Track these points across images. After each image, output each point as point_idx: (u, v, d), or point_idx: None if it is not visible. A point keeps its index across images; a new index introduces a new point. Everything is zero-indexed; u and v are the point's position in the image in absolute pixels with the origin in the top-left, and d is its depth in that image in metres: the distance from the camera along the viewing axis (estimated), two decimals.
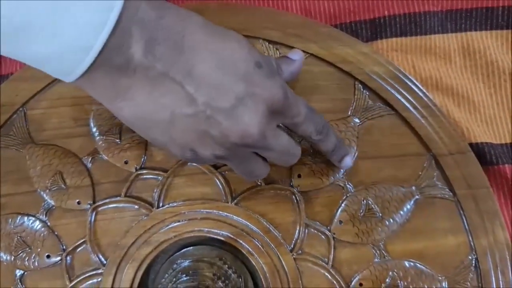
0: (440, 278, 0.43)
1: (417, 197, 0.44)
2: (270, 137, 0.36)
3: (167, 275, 0.43)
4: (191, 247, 0.45)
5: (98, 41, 0.31)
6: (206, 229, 0.43)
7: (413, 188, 0.44)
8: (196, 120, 0.34)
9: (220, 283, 0.41)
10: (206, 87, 0.33)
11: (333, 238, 0.43)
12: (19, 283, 0.44)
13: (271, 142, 0.36)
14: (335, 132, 0.42)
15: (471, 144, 0.45)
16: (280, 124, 0.38)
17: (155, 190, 0.44)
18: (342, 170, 0.44)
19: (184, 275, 0.41)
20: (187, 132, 0.34)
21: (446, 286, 0.42)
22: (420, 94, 0.45)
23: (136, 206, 0.44)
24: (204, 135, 0.34)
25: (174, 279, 0.42)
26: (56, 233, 0.44)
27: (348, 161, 0.43)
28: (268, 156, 0.38)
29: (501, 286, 0.42)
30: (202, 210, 0.44)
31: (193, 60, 0.33)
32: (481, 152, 0.46)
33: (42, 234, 0.44)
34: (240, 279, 0.43)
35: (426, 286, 0.42)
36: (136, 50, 0.32)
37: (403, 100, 0.44)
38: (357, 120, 0.45)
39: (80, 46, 0.31)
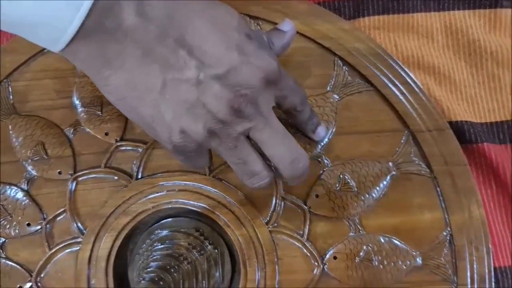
0: (414, 253, 0.43)
1: (393, 172, 0.44)
2: (262, 108, 0.35)
3: (144, 245, 0.44)
4: (170, 219, 0.46)
5: (86, 0, 0.30)
6: (184, 200, 0.44)
7: (390, 164, 0.44)
8: (188, 87, 0.33)
9: (195, 252, 0.42)
10: (199, 53, 0.32)
11: (309, 211, 0.43)
12: (0, 251, 0.45)
13: (263, 116, 0.35)
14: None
15: (451, 123, 0.46)
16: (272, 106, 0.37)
17: (134, 162, 0.45)
18: (319, 145, 0.44)
19: (160, 243, 0.42)
20: (177, 104, 0.33)
21: (420, 261, 0.43)
22: (400, 71, 0.45)
23: (116, 177, 0.45)
24: (195, 106, 0.33)
25: (150, 247, 0.42)
26: (37, 202, 0.45)
27: (322, 131, 0.43)
28: (260, 138, 0.36)
29: (474, 262, 0.42)
30: (180, 182, 0.44)
31: (185, 27, 0.33)
32: (460, 130, 0.46)
33: (23, 203, 0.45)
34: (216, 251, 0.44)
35: (400, 261, 0.43)
36: (128, 12, 0.31)
37: (382, 76, 0.45)
38: (335, 96, 0.45)
39: (68, 6, 0.30)
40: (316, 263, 0.43)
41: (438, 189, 0.43)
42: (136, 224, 0.44)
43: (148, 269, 0.37)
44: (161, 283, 0.35)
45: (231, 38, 0.33)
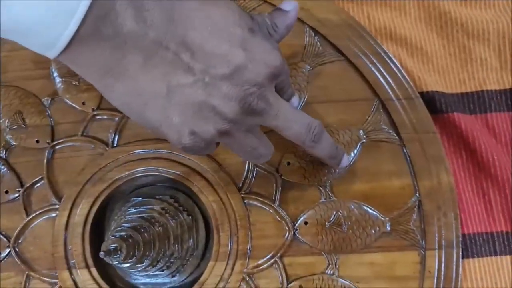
0: (383, 219, 0.44)
1: (363, 140, 0.45)
2: (271, 100, 0.34)
3: (119, 211, 0.45)
4: (145, 187, 0.47)
5: (80, 6, 0.28)
6: (158, 168, 0.45)
7: (360, 132, 0.45)
8: (194, 90, 0.32)
9: (167, 216, 0.43)
10: (202, 55, 0.31)
11: (281, 178, 0.44)
12: None
13: (275, 107, 0.34)
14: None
15: (422, 93, 0.46)
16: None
17: (110, 130, 0.46)
18: None
19: (134, 208, 0.43)
20: (184, 107, 0.32)
21: (389, 227, 0.44)
22: (371, 41, 0.46)
23: (92, 145, 0.46)
24: (203, 108, 0.32)
25: (124, 212, 0.43)
26: (15, 170, 0.46)
27: (295, 101, 0.43)
28: (274, 125, 0.36)
29: (442, 227, 0.43)
30: (155, 150, 0.45)
31: (185, 28, 0.31)
32: (431, 100, 0.47)
33: (1, 171, 0.46)
34: (190, 217, 0.45)
35: (369, 227, 0.44)
36: (126, 17, 0.30)
37: (353, 47, 0.46)
38: (307, 66, 0.46)
39: (62, 11, 0.29)
40: (287, 229, 0.44)
41: (407, 156, 0.44)
42: (113, 192, 0.45)
43: (119, 228, 0.38)
44: (129, 240, 0.36)
45: (234, 35, 0.32)
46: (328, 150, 0.40)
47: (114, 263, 0.35)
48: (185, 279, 0.45)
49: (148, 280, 0.45)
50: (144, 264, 0.39)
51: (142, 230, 0.39)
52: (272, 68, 0.33)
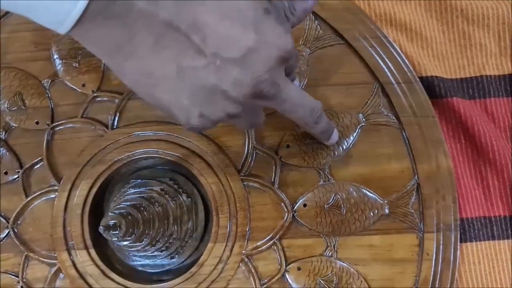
0: (382, 202, 0.44)
1: (363, 124, 0.45)
2: (280, 84, 0.34)
3: (119, 193, 0.45)
4: (145, 170, 0.47)
5: None
6: (158, 150, 0.45)
7: (360, 115, 0.45)
8: (205, 73, 0.31)
9: (167, 197, 0.43)
10: (213, 38, 0.31)
11: (280, 161, 0.45)
12: None
13: (282, 90, 0.34)
14: None
15: (421, 78, 0.47)
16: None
17: (110, 112, 0.46)
18: None
19: (133, 189, 0.43)
20: (195, 90, 0.32)
21: (388, 209, 0.44)
22: (371, 25, 0.46)
23: (92, 127, 0.46)
24: (214, 92, 0.32)
25: (124, 193, 0.43)
26: (14, 151, 0.46)
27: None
28: (281, 109, 0.36)
29: (441, 211, 0.43)
30: (155, 132, 0.45)
31: (197, 10, 0.31)
32: (430, 85, 0.47)
33: (0, 152, 0.46)
34: (190, 199, 0.45)
35: (368, 209, 0.44)
36: None
37: (353, 30, 0.46)
38: (307, 49, 0.46)
39: None
40: (286, 211, 0.44)
41: (406, 139, 0.44)
42: (112, 174, 0.45)
43: (119, 206, 0.38)
44: (129, 217, 0.36)
45: (247, 17, 0.31)
46: (323, 128, 0.40)
47: (113, 239, 0.35)
48: (184, 261, 0.45)
49: (147, 261, 0.45)
50: (143, 243, 0.39)
51: (142, 209, 0.39)
52: (283, 52, 0.32)
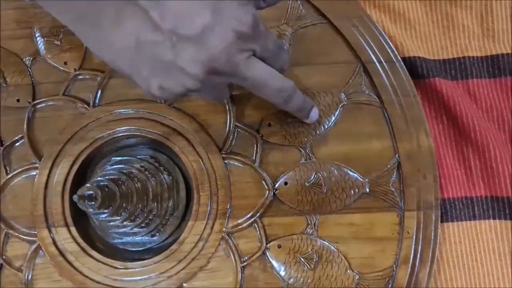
0: (363, 180, 0.44)
1: (344, 103, 0.45)
2: (242, 65, 0.34)
3: (100, 170, 0.45)
4: (126, 149, 0.46)
5: None
6: (139, 128, 0.45)
7: (342, 94, 0.45)
8: (162, 49, 0.32)
9: (147, 174, 0.43)
10: (171, 15, 0.31)
11: (262, 139, 0.44)
12: None
13: (243, 70, 0.34)
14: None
15: (404, 58, 0.47)
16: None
17: (92, 90, 0.46)
18: None
19: (113, 165, 0.43)
20: (153, 63, 0.33)
21: (369, 188, 0.44)
22: (353, 5, 0.46)
23: (74, 105, 0.46)
24: (171, 67, 0.33)
25: (104, 170, 0.43)
26: None
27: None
28: (244, 86, 0.36)
29: (422, 189, 0.43)
30: (136, 110, 0.45)
31: None
32: (413, 65, 0.47)
33: None
34: (171, 178, 0.45)
35: (349, 188, 0.44)
36: None
37: (335, 9, 0.46)
38: (290, 29, 0.46)
39: None
40: (267, 189, 0.44)
41: (387, 118, 0.45)
42: (94, 152, 0.45)
43: (96, 179, 0.37)
44: (106, 189, 0.36)
45: None
46: (297, 105, 0.40)
47: (89, 210, 0.34)
48: (165, 239, 0.45)
49: (127, 239, 0.45)
50: (121, 217, 0.39)
51: (120, 183, 0.38)
52: (239, 28, 0.32)
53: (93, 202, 0.34)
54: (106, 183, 0.37)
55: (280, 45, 0.37)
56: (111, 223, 0.40)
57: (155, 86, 0.34)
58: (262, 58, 0.36)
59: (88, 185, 0.35)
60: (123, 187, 0.38)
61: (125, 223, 0.40)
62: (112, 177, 0.39)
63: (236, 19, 0.33)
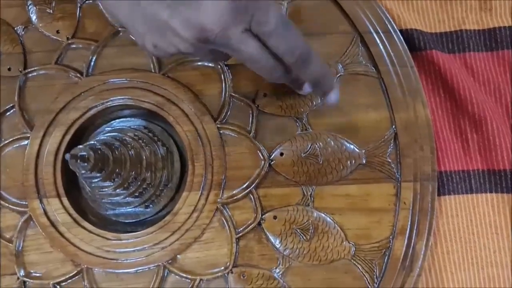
0: (359, 151, 0.43)
1: (341, 73, 0.44)
2: (235, 39, 0.33)
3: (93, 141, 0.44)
4: (120, 119, 0.46)
5: None
6: (133, 97, 0.44)
7: (338, 65, 0.45)
8: (157, 7, 0.31)
9: (141, 143, 0.42)
10: None
11: (257, 109, 0.44)
12: None
13: (235, 44, 0.33)
14: (318, 62, 0.37)
15: (401, 30, 0.46)
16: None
17: (85, 59, 0.45)
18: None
19: (107, 134, 0.42)
20: (148, 20, 0.32)
21: (365, 159, 0.43)
22: None
23: (66, 74, 0.45)
24: (165, 27, 0.32)
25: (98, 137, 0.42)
26: None
27: (333, 97, 0.40)
28: (238, 59, 0.35)
29: (418, 160, 0.43)
30: (130, 79, 0.44)
31: None
32: (410, 37, 0.46)
33: None
34: (165, 148, 0.44)
35: (345, 158, 0.43)
36: None
37: None
38: (286, 0, 0.46)
39: None
40: (262, 160, 0.43)
41: (384, 89, 0.44)
42: (87, 123, 0.44)
43: (90, 143, 0.37)
44: (99, 152, 0.35)
45: None
46: (290, 81, 0.38)
47: (81, 172, 0.34)
48: (159, 211, 0.45)
49: (121, 210, 0.44)
50: (115, 183, 0.38)
51: (114, 148, 0.38)
52: (234, 4, 0.31)
53: (85, 164, 0.33)
54: (99, 146, 0.36)
55: (285, 23, 0.35)
56: (104, 191, 0.39)
57: (150, 43, 0.34)
58: (259, 33, 0.34)
59: (81, 146, 0.34)
60: (117, 152, 0.38)
61: (118, 190, 0.39)
62: (106, 141, 0.38)
63: None
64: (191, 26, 0.32)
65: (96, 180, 0.36)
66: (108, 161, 0.36)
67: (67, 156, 0.32)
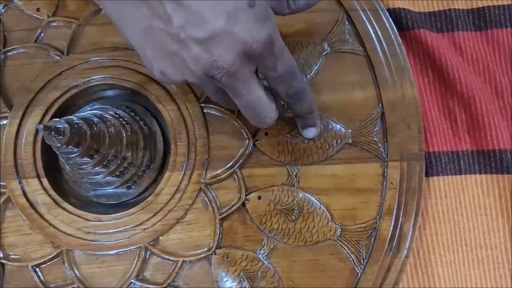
0: (345, 130, 0.43)
1: (327, 51, 0.44)
2: (241, 79, 0.33)
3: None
4: (102, 99, 0.45)
5: None
6: (115, 76, 0.43)
7: (324, 43, 0.44)
8: (169, 39, 0.32)
9: (122, 121, 0.41)
10: (185, 11, 0.31)
11: None
12: None
13: (239, 85, 0.34)
14: (310, 99, 0.39)
15: (389, 9, 0.45)
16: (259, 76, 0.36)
17: (66, 38, 0.44)
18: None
19: (87, 112, 0.41)
20: (159, 47, 0.32)
21: (351, 138, 0.42)
22: None
23: (47, 53, 0.44)
24: (175, 57, 0.32)
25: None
26: None
27: (311, 132, 0.42)
28: (236, 101, 0.36)
29: (406, 139, 0.42)
30: (111, 57, 0.44)
31: None
32: (398, 17, 0.46)
33: None
34: (147, 128, 0.43)
35: (331, 138, 0.42)
36: None
37: None
38: None
39: None
40: (247, 138, 0.42)
41: (371, 67, 0.43)
42: (68, 102, 0.43)
43: (68, 117, 0.36)
44: (75, 126, 0.34)
45: (226, 3, 0.31)
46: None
47: (56, 145, 0.33)
48: (142, 192, 0.44)
49: (101, 191, 0.43)
50: (93, 159, 0.37)
51: (92, 123, 0.37)
52: (248, 47, 0.32)
53: (60, 137, 0.32)
54: (77, 121, 0.35)
55: (292, 72, 0.36)
56: (83, 169, 0.38)
57: (157, 69, 0.34)
58: (265, 76, 0.36)
59: (57, 119, 0.33)
60: (95, 128, 0.37)
61: (97, 168, 0.38)
62: (85, 117, 0.37)
63: (249, 33, 0.32)
64: (199, 63, 0.32)
65: (73, 155, 0.35)
66: (85, 136, 0.35)
67: (40, 127, 0.31)
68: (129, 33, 0.34)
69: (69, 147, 0.34)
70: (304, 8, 0.39)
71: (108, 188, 0.42)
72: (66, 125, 0.33)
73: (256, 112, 0.37)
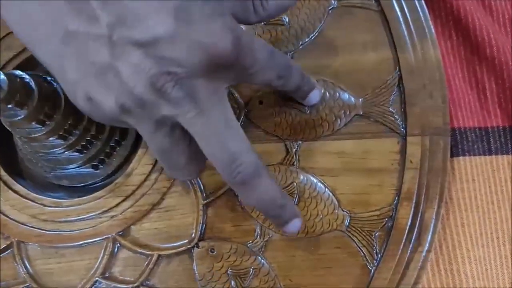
0: (355, 100, 0.36)
1: (333, 6, 0.37)
2: (202, 93, 0.26)
3: None
4: None
5: None
6: None
7: None
8: (98, 46, 0.24)
9: None
10: (117, 6, 0.24)
11: None
12: None
13: (201, 100, 0.26)
14: (297, 67, 0.33)
15: None
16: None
17: None
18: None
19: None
20: (84, 63, 0.25)
21: (363, 109, 0.36)
22: None
23: None
24: (107, 71, 0.25)
25: None
26: None
27: (315, 95, 0.35)
28: (190, 131, 0.27)
29: (427, 110, 0.35)
30: None
31: None
32: None
33: None
34: None
35: (338, 108, 0.36)
36: None
37: None
38: None
39: None
40: (237, 108, 0.36)
41: (386, 24, 0.37)
42: (23, 64, 0.37)
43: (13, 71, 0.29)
44: (18, 80, 0.27)
45: None
46: (258, 202, 0.29)
47: None
48: (112, 174, 0.37)
49: (63, 171, 0.36)
50: (46, 126, 0.30)
51: (44, 81, 0.30)
52: (212, 54, 0.25)
53: None
54: (23, 76, 0.28)
55: (271, 52, 0.29)
56: (34, 138, 0.31)
57: (82, 96, 0.26)
58: (251, 75, 0.29)
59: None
60: (47, 86, 0.30)
61: (52, 139, 0.31)
62: (36, 73, 0.30)
63: (209, 39, 0.25)
64: (143, 72, 0.24)
65: (17, 119, 0.28)
66: (31, 95, 0.28)
67: None
68: (40, 48, 0.26)
69: (9, 106, 0.27)
70: (277, 14, 0.31)
71: (70, 166, 0.35)
72: (5, 78, 0.26)
73: (221, 151, 0.28)
